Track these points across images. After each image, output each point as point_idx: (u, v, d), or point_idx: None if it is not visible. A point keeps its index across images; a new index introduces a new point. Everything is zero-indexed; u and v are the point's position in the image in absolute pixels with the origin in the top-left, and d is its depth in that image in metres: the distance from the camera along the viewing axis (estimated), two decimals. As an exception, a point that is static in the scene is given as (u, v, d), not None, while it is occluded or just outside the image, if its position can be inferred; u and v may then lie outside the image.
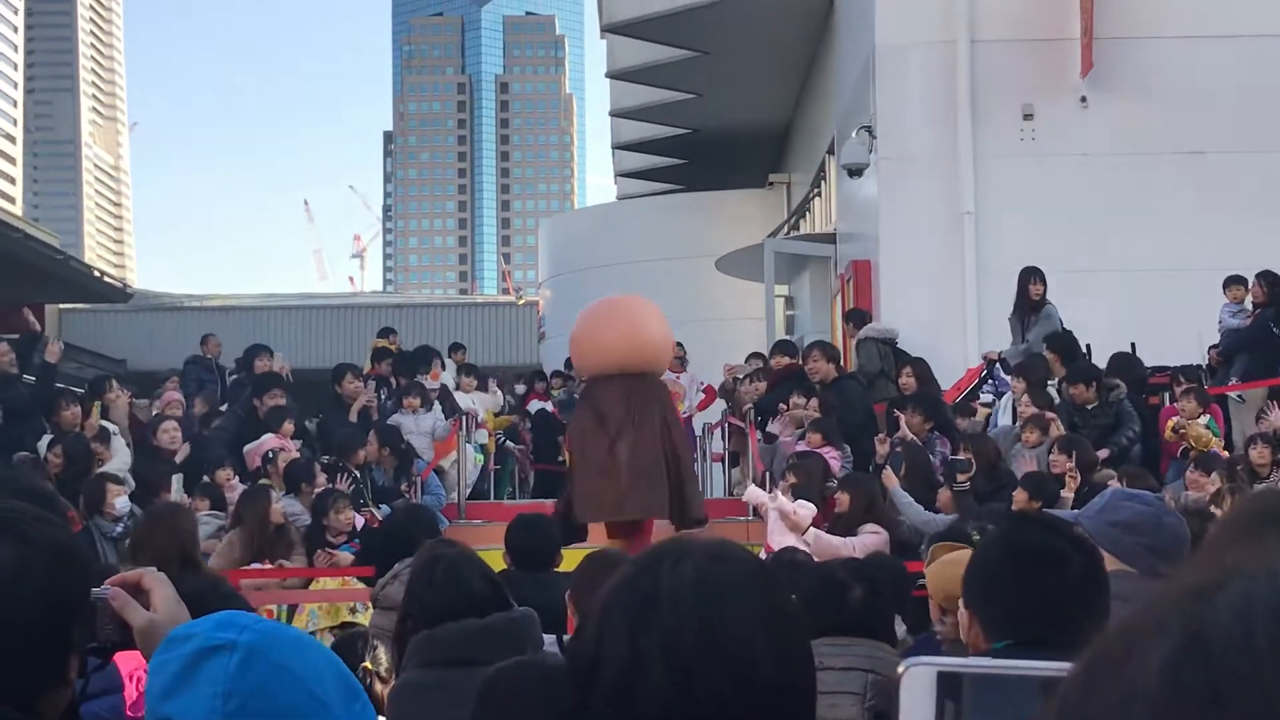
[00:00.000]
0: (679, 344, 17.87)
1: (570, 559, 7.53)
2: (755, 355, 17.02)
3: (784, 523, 10.50)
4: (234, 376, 17.76)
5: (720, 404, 17.41)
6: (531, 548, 7.24)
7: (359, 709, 2.13)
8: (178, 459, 13.53)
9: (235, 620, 2.08)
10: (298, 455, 13.42)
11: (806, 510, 10.65)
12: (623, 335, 12.20)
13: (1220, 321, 14.73)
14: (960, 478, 10.81)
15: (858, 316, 16.93)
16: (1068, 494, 10.07)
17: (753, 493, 11.48)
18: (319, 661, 2.09)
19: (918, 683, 1.36)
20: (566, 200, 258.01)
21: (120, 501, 11.24)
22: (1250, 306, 14.64)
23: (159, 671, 2.06)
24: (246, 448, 13.78)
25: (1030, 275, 14.63)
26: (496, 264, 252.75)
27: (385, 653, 5.34)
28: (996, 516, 8.99)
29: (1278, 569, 0.83)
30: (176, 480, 12.55)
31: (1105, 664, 0.85)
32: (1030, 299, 14.57)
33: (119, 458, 13.38)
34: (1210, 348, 14.77)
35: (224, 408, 16.27)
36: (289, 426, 13.96)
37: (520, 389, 21.65)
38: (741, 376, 16.31)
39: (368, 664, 5.10)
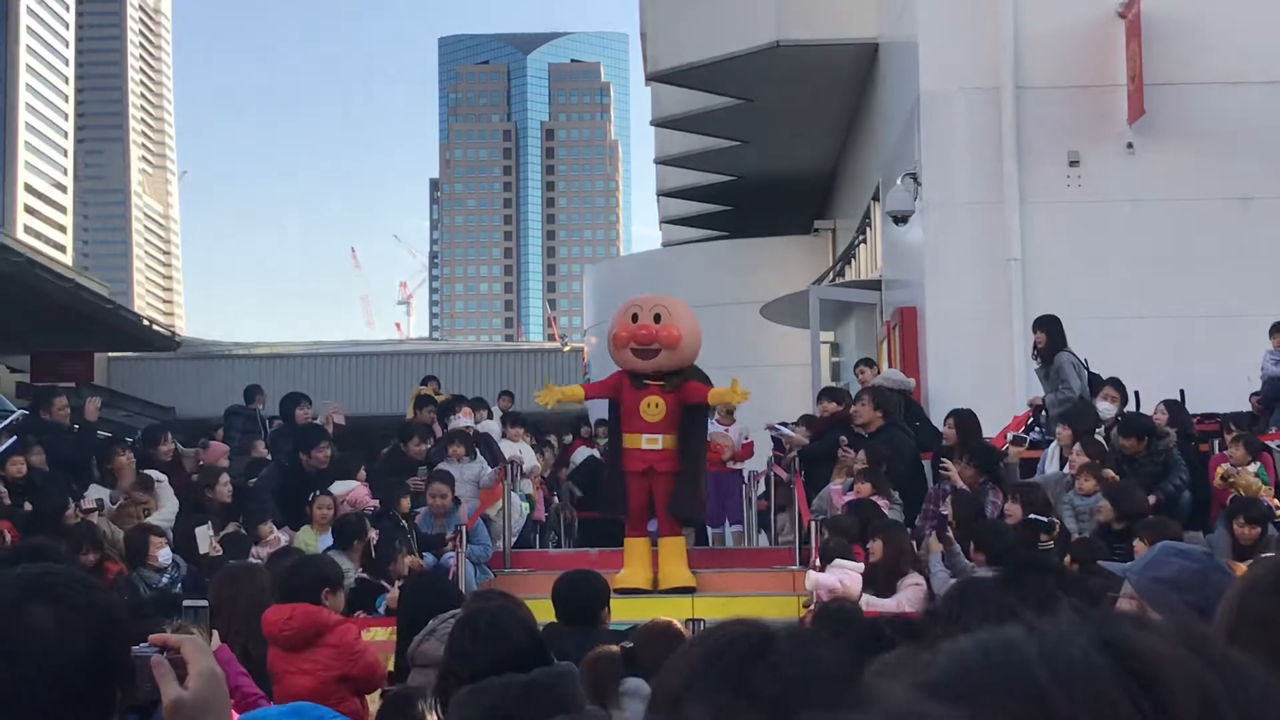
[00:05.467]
0: None
1: (617, 613, 7.54)
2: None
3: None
4: (276, 425, 17.88)
5: (766, 451, 17.38)
6: (578, 605, 7.26)
7: None
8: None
9: (306, 712, 2.07)
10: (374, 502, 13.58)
11: (854, 580, 10.57)
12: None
13: (1262, 369, 14.61)
14: (1044, 538, 10.73)
15: (869, 364, 16.94)
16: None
17: (812, 579, 11.28)
18: None
19: None
20: (611, 246, 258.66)
21: (163, 553, 11.31)
22: None
23: None
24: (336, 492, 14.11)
25: (1036, 324, 14.62)
26: (542, 310, 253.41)
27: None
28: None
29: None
30: (205, 530, 12.58)
31: None
32: (1035, 347, 14.54)
33: (168, 507, 13.46)
34: (1252, 395, 14.66)
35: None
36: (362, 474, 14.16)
37: (567, 438, 21.63)
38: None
39: None
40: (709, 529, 17.38)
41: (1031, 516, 11.10)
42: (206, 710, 2.39)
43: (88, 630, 2.30)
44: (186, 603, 10.74)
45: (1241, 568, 8.22)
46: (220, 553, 12.06)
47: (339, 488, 14.05)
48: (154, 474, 13.84)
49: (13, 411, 18.43)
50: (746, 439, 17.64)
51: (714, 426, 17.93)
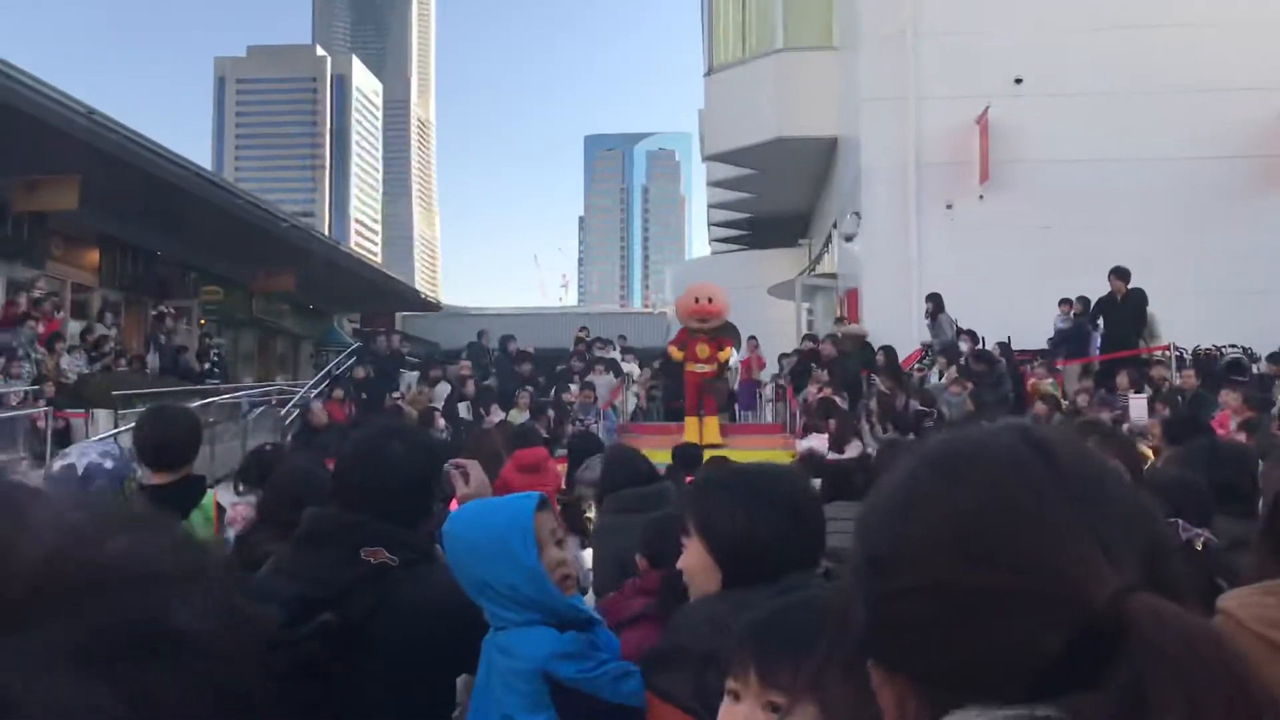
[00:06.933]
0: (755, 339, 17.90)
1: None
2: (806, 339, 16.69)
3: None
4: (495, 353, 18.04)
5: (774, 370, 17.33)
6: (688, 459, 7.28)
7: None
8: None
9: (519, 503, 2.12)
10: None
11: (823, 445, 10.41)
12: None
13: (1055, 326, 14.25)
14: (927, 420, 10.63)
15: (840, 322, 16.74)
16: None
17: (801, 444, 11.21)
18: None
19: None
20: (681, 253, 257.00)
21: (441, 422, 11.52)
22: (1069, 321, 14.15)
23: None
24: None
25: (928, 298, 14.44)
26: (642, 290, 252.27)
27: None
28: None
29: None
30: (465, 405, 12.64)
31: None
32: (927, 310, 14.38)
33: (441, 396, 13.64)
34: (1048, 339, 14.23)
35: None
36: (525, 398, 13.67)
37: (657, 364, 21.55)
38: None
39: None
40: (739, 412, 17.46)
41: (918, 407, 11.04)
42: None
43: (421, 456, 2.34)
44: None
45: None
46: (472, 419, 12.25)
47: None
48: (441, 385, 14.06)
49: (352, 343, 18.75)
50: (756, 352, 17.86)
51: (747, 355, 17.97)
